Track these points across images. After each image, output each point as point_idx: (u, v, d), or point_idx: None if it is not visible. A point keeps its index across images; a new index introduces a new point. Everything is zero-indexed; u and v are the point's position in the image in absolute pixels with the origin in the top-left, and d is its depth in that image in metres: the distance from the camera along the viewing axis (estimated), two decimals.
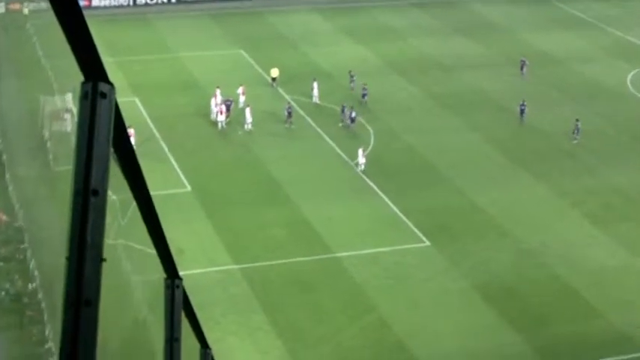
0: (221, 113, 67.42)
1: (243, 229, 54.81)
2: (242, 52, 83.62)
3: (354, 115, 68.37)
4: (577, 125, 67.96)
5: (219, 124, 67.51)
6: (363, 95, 73.12)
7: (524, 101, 70.54)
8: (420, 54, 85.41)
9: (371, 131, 68.12)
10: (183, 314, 6.19)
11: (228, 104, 68.91)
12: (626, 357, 45.27)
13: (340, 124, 69.02)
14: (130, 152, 4.35)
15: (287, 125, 67.89)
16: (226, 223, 55.31)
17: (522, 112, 70.46)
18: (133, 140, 60.61)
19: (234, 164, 62.94)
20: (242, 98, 70.19)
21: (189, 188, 59.14)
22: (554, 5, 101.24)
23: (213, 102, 69.49)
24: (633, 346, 45.94)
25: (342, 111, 69.63)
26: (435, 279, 50.85)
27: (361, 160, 62.07)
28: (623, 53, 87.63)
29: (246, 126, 67.40)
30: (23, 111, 67.19)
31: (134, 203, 4.92)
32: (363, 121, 69.53)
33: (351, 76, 75.25)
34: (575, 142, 67.85)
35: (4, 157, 61.08)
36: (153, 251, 5.66)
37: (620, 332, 46.97)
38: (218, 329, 44.79)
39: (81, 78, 3.71)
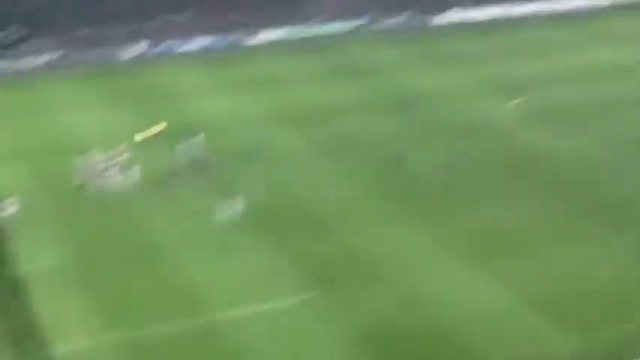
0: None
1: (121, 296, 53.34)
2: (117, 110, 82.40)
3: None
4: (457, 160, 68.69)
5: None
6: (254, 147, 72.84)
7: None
8: (300, 101, 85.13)
9: (250, 182, 67.30)
10: None
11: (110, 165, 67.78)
12: None
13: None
14: None
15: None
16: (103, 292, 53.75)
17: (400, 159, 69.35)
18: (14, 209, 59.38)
19: (109, 230, 61.26)
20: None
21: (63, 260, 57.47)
22: (431, 42, 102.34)
23: (83, 164, 67.91)
24: None
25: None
26: (320, 330, 49.91)
27: (236, 208, 61.34)
28: (501, 87, 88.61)
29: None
30: None
31: None
32: (241, 172, 68.80)
33: None
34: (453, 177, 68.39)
35: None
36: None
37: None
38: None
39: None
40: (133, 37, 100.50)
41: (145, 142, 73.73)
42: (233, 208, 61.70)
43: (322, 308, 52.03)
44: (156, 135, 74.66)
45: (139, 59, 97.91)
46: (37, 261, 55.99)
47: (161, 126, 74.81)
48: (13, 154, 72.37)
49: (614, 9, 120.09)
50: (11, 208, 59.94)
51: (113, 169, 67.17)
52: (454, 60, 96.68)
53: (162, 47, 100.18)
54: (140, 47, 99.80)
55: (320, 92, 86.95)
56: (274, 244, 58.77)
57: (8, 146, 73.85)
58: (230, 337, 49.54)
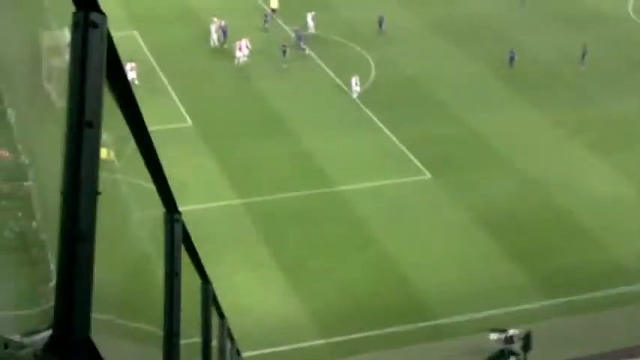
0: (239, 49, 67.00)
1: (246, 163, 54.74)
2: None
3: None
4: (584, 50, 67.85)
5: (236, 60, 67.10)
6: (380, 24, 72.99)
7: (513, 49, 68.34)
8: None
9: (371, 61, 67.85)
10: (183, 249, 6.15)
11: (225, 29, 69.43)
12: (627, 289, 45.35)
13: (300, 52, 69.00)
14: (125, 84, 4.27)
15: (284, 65, 67.30)
16: (228, 157, 55.22)
17: (512, 59, 67.98)
18: (134, 74, 60.78)
19: (235, 97, 62.72)
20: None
21: (190, 122, 58.98)
22: None
23: (213, 28, 69.95)
24: (633, 278, 46.00)
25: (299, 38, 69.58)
26: (436, 211, 50.86)
27: (354, 87, 61.94)
28: None
29: (244, 57, 67.16)
30: (23, 47, 66.78)
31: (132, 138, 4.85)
32: (363, 51, 69.30)
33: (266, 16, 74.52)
34: (583, 68, 67.79)
35: (5, 94, 60.85)
36: (152, 185, 5.60)
37: (621, 263, 46.98)
38: (221, 264, 44.86)
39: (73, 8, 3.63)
40: None
41: (261, 16, 74.52)
42: (353, 86, 62.35)
43: (441, 189, 52.86)
44: (274, 10, 75.39)
45: None
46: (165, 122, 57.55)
47: (275, 3, 75.46)
48: (134, 20, 73.46)
49: None
50: (131, 73, 61.07)
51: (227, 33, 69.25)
52: None
53: None
54: None
55: None
56: (393, 123, 59.34)
57: (131, 12, 74.96)
58: (352, 208, 50.76)
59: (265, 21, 73.00)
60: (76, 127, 3.45)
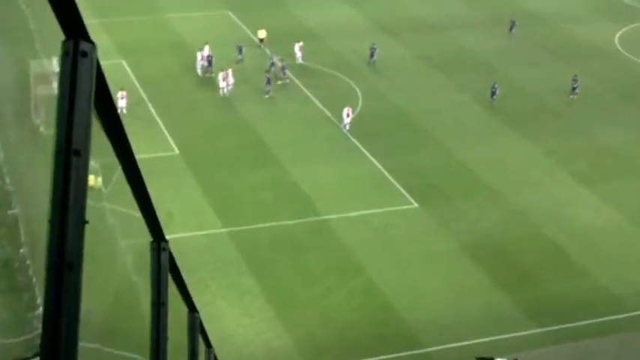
0: (223, 80, 67.04)
1: (232, 191, 54.75)
2: (229, 12, 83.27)
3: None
4: (575, 82, 68.17)
5: (221, 91, 67.11)
6: (372, 54, 73.18)
7: (495, 84, 67.79)
8: (408, 14, 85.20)
9: (359, 92, 68.04)
10: (170, 277, 6.14)
11: (210, 59, 69.60)
12: (613, 317, 45.43)
13: (279, 82, 68.86)
14: (113, 112, 4.28)
15: (265, 95, 67.31)
16: (215, 186, 55.23)
17: (493, 94, 67.38)
18: (124, 103, 60.91)
19: (222, 126, 62.75)
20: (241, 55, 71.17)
21: (177, 151, 58.97)
22: None
23: (199, 56, 70.13)
24: (620, 307, 46.11)
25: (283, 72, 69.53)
26: (423, 240, 50.91)
27: (346, 119, 62.00)
28: (611, 12, 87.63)
29: (229, 87, 67.17)
30: (10, 74, 66.74)
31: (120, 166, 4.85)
32: (351, 82, 69.51)
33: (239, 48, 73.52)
34: (573, 97, 68.14)
35: None
36: (139, 214, 5.60)
37: (608, 292, 47.12)
38: (207, 292, 44.83)
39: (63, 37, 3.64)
40: None
41: (250, 46, 74.78)
42: (345, 117, 62.42)
43: (428, 218, 52.91)
44: (261, 40, 75.59)
45: None
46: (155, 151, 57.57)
47: (263, 33, 75.62)
48: (122, 50, 73.53)
49: None
50: (121, 102, 61.13)
51: (213, 63, 69.48)
52: None
53: None
54: None
55: (428, 6, 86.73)
56: (380, 153, 59.45)
57: (120, 41, 75.03)
58: (339, 236, 50.72)
59: (239, 52, 72.51)
60: (64, 155, 3.46)
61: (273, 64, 69.80)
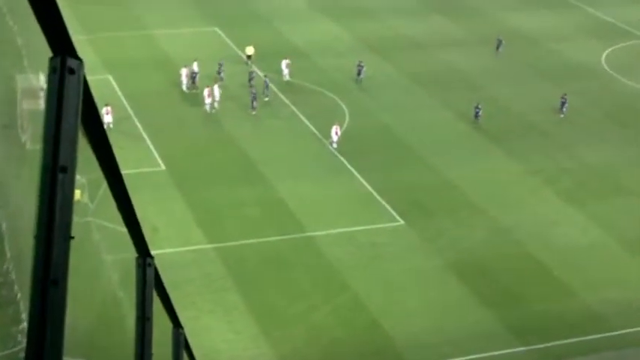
0: (208, 96, 66.93)
1: (218, 208, 54.73)
2: (217, 29, 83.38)
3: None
4: (564, 100, 68.42)
5: (207, 107, 67.00)
6: (359, 72, 73.23)
7: (479, 104, 67.52)
8: (395, 33, 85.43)
9: (345, 109, 68.12)
10: (155, 293, 6.15)
11: (194, 76, 69.59)
12: (598, 336, 45.51)
13: (266, 99, 68.88)
14: (100, 128, 4.30)
15: (251, 111, 67.31)
16: (201, 202, 55.19)
17: (477, 114, 67.18)
18: (110, 118, 60.90)
19: (209, 142, 62.75)
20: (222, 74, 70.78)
21: (163, 167, 58.92)
22: None
23: (184, 72, 70.03)
24: (605, 326, 46.18)
25: (266, 86, 69.43)
26: (408, 257, 50.94)
27: (334, 137, 62.05)
28: (597, 32, 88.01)
29: (215, 103, 67.16)
30: None
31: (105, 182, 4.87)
32: (337, 99, 69.62)
33: (219, 65, 72.79)
34: (562, 116, 68.40)
35: None
36: (124, 229, 5.61)
37: (592, 311, 47.21)
38: (193, 308, 44.76)
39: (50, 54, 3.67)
40: None
41: (237, 62, 74.86)
42: (333, 135, 62.42)
43: (413, 235, 52.95)
44: (249, 56, 75.61)
45: None
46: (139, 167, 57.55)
47: (251, 50, 75.63)
48: (108, 65, 73.52)
49: None
50: (107, 117, 61.15)
51: (196, 80, 69.47)
52: (553, 2, 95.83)
53: None
54: None
55: (414, 25, 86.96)
56: (366, 170, 59.51)
57: (106, 57, 75.00)
58: (324, 253, 50.72)
59: (219, 71, 71.99)
60: (50, 171, 3.48)
61: (252, 79, 69.92)
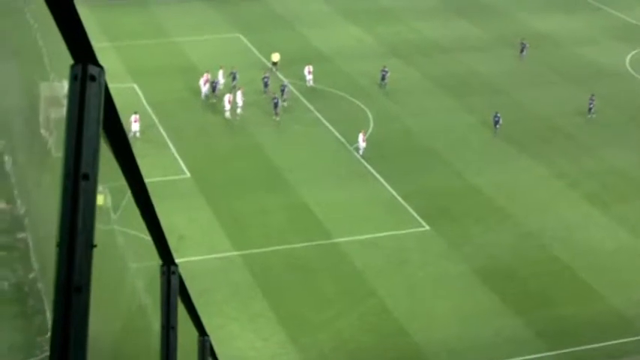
0: (229, 102, 67.00)
1: (243, 215, 54.78)
2: (240, 36, 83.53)
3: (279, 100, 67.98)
4: (592, 102, 68.32)
5: (226, 113, 67.07)
6: (383, 77, 73.15)
7: (497, 113, 66.35)
8: (418, 36, 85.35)
9: (369, 114, 68.08)
10: (180, 301, 6.13)
11: (215, 85, 69.47)
12: (625, 340, 45.26)
13: (284, 104, 68.67)
14: (122, 135, 4.29)
15: (275, 117, 67.33)
16: (226, 209, 55.27)
17: (496, 123, 66.09)
18: (137, 127, 61.20)
19: (233, 149, 62.84)
20: (236, 81, 70.45)
21: (188, 175, 59.05)
22: None
23: (202, 81, 69.77)
24: (633, 329, 45.92)
25: (282, 92, 69.17)
26: (434, 263, 50.83)
27: (361, 144, 61.96)
28: (622, 34, 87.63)
29: (238, 109, 67.27)
30: (22, 97, 67.02)
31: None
32: (361, 104, 69.59)
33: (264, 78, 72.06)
34: (590, 117, 68.38)
35: (3, 144, 60.99)
36: (149, 237, 5.60)
37: (620, 314, 46.97)
38: (219, 316, 44.80)
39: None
40: None
41: (261, 68, 74.88)
42: (360, 142, 62.36)
43: (439, 241, 52.82)
44: (275, 63, 75.69)
45: None
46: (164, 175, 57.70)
47: (277, 56, 75.70)
48: (133, 73, 73.79)
49: None
50: (134, 125, 61.45)
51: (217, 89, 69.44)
52: (577, 5, 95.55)
53: None
54: None
55: (438, 29, 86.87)
56: (391, 176, 59.45)
57: (130, 65, 75.27)
58: (350, 259, 50.68)
59: (233, 79, 71.08)
60: (73, 179, 3.47)
61: (267, 85, 69.97)
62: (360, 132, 62.66)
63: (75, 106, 3.57)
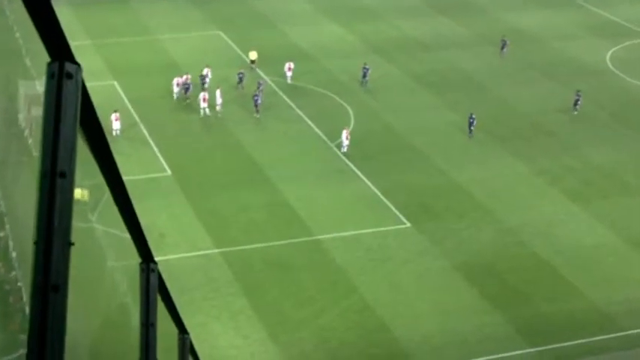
0: (204, 101, 66.87)
1: (225, 212, 54.71)
2: (221, 33, 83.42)
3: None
4: (577, 97, 68.63)
5: (202, 111, 67.00)
6: (364, 75, 73.11)
7: (472, 114, 65.69)
8: (399, 33, 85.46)
9: (350, 112, 68.10)
10: (159, 299, 6.12)
11: (187, 86, 69.02)
12: (606, 337, 45.41)
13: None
14: (99, 133, 4.28)
15: (255, 114, 67.15)
16: (207, 206, 55.18)
17: (471, 124, 65.52)
18: (118, 125, 61.04)
19: (215, 147, 62.75)
20: (207, 79, 70.20)
21: (169, 172, 58.92)
22: None
23: (175, 82, 69.55)
24: (613, 326, 46.08)
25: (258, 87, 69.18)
26: (416, 259, 50.90)
27: (345, 141, 61.93)
28: (602, 31, 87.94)
29: (217, 107, 67.17)
30: (1, 96, 66.72)
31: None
32: (342, 102, 69.60)
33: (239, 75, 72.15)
34: (575, 112, 68.56)
35: None
36: (128, 235, 5.59)
37: (600, 311, 47.12)
38: (200, 313, 44.75)
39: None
40: None
41: (241, 66, 74.80)
42: (344, 139, 62.36)
43: (420, 237, 52.90)
44: (253, 61, 75.57)
45: None
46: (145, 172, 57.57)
47: (254, 54, 75.56)
48: (114, 71, 73.58)
49: None
50: (115, 123, 61.27)
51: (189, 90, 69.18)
52: (557, 2, 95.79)
53: None
54: None
55: (419, 26, 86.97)
56: (372, 173, 59.50)
57: (111, 63, 75.06)
58: (332, 257, 50.70)
59: (203, 82, 69.98)
60: (49, 177, 3.46)
61: (241, 80, 70.00)
62: (343, 129, 62.65)
63: (52, 103, 3.56)
